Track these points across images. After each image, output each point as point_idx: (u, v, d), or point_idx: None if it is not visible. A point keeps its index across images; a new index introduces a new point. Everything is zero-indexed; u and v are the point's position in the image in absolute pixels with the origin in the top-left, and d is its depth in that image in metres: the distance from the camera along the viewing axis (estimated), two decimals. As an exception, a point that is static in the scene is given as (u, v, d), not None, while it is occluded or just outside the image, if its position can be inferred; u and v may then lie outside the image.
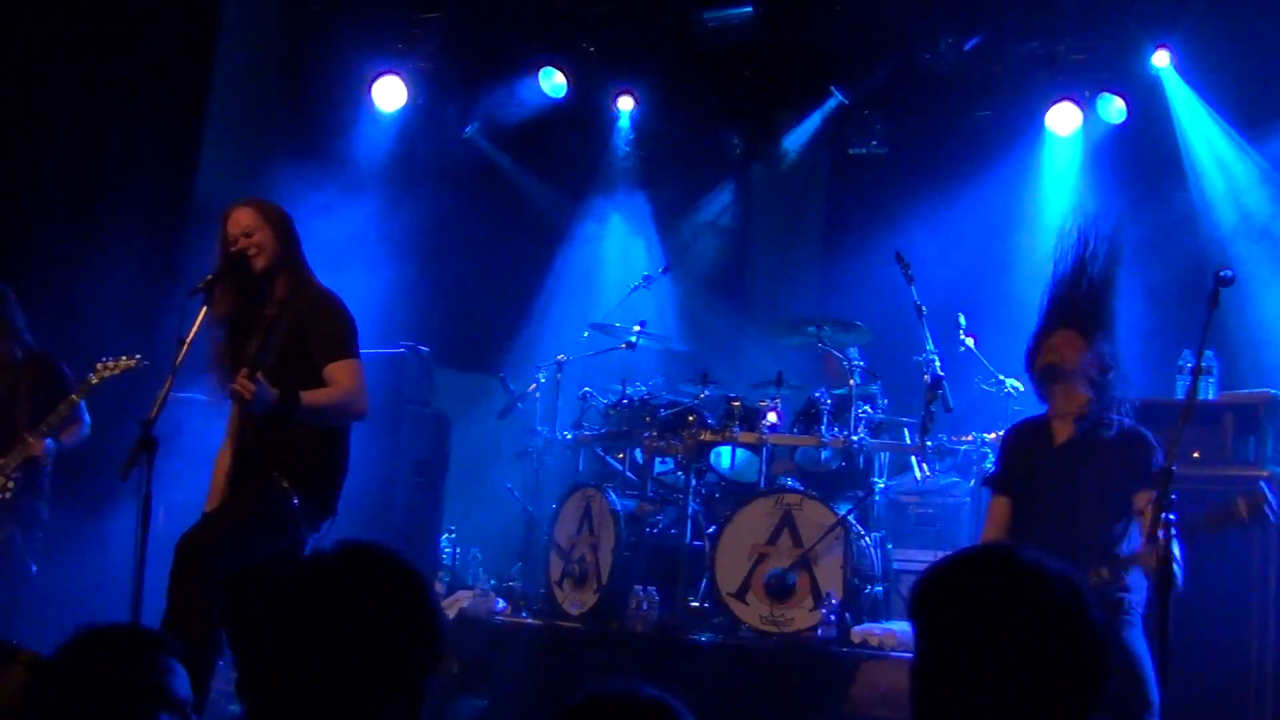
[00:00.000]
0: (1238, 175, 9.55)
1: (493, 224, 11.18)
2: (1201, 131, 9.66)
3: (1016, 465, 5.93)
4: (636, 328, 9.04)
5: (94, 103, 9.40)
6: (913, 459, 8.51)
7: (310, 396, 5.63)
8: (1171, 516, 4.63)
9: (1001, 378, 8.37)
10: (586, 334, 9.30)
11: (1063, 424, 5.81)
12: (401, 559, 2.59)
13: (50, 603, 7.55)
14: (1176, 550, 5.20)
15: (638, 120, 11.29)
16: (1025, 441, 5.96)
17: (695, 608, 8.01)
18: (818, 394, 8.44)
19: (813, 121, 11.05)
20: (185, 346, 5.50)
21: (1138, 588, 5.47)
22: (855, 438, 8.11)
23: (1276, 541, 6.76)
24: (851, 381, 8.32)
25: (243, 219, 5.86)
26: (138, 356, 7.43)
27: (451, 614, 8.19)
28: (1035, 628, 2.29)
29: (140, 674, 3.24)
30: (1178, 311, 7.77)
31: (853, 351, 8.87)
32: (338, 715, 2.44)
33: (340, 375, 5.76)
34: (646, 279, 9.65)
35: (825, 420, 8.19)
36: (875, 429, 8.36)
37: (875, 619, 7.71)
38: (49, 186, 9.26)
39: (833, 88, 10.54)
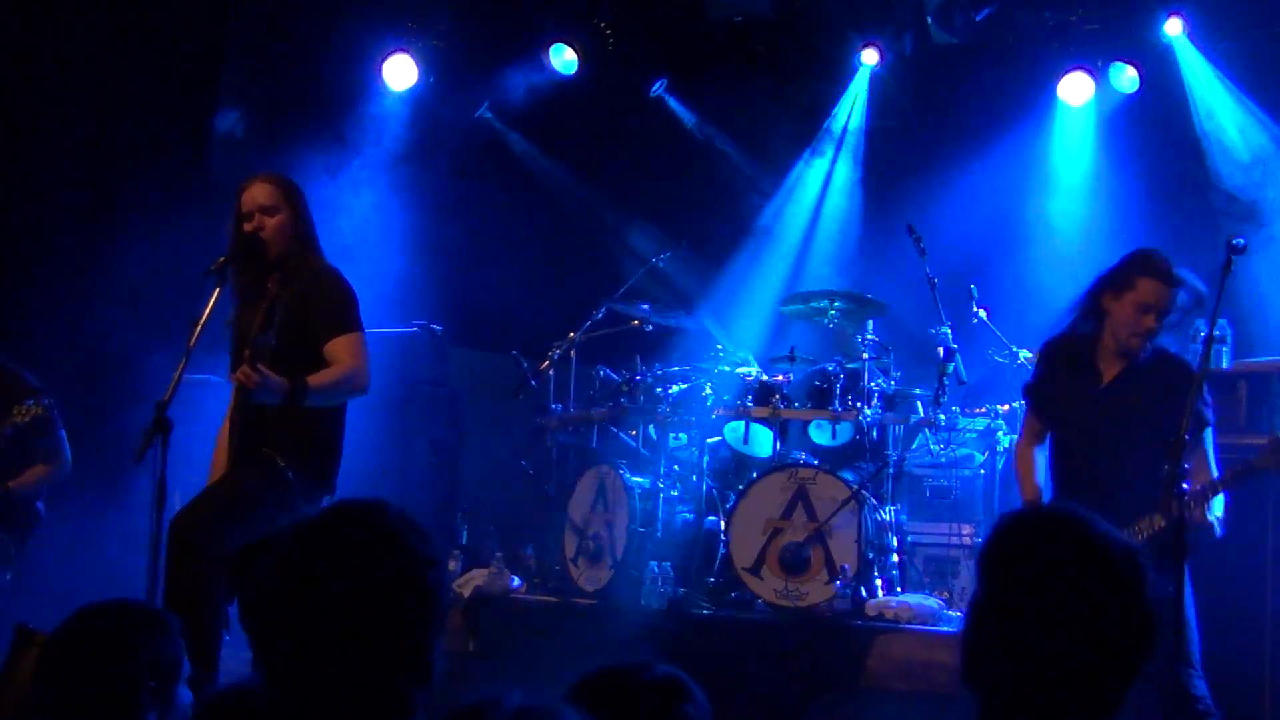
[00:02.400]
0: (1251, 143, 9.50)
1: (505, 202, 11.16)
2: (1213, 99, 9.61)
3: (1060, 395, 5.93)
4: (647, 305, 9.07)
5: (105, 84, 9.40)
6: (926, 431, 8.49)
7: (316, 380, 5.63)
8: (1185, 486, 4.63)
9: (1014, 349, 8.35)
10: (599, 313, 9.29)
11: (1110, 362, 5.81)
12: (391, 514, 2.57)
13: (68, 586, 7.58)
14: (1219, 506, 5.29)
15: (646, 95, 11.27)
16: (1070, 374, 5.91)
17: (710, 583, 8.03)
18: (831, 368, 8.44)
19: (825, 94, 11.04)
20: (199, 328, 5.50)
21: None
22: (869, 411, 8.11)
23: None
24: (864, 355, 8.31)
25: (258, 195, 5.86)
26: (46, 403, 7.32)
27: (467, 592, 8.21)
28: (1096, 597, 2.39)
29: (130, 645, 3.29)
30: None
31: (866, 324, 8.87)
32: (349, 680, 2.43)
33: (341, 351, 5.75)
34: (658, 258, 9.64)
35: (838, 394, 8.18)
36: (888, 402, 8.36)
37: (890, 592, 7.72)
38: (60, 171, 9.26)
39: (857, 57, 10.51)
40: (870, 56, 10.39)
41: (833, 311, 8.70)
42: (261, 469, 5.66)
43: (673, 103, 11.37)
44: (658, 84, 11.24)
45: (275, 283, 5.83)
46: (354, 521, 2.55)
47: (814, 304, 8.83)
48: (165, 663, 3.35)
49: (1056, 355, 6.02)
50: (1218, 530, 5.32)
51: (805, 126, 11.28)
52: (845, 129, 10.97)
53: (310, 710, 2.42)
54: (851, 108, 10.87)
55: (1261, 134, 9.43)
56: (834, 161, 11.10)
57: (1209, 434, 5.61)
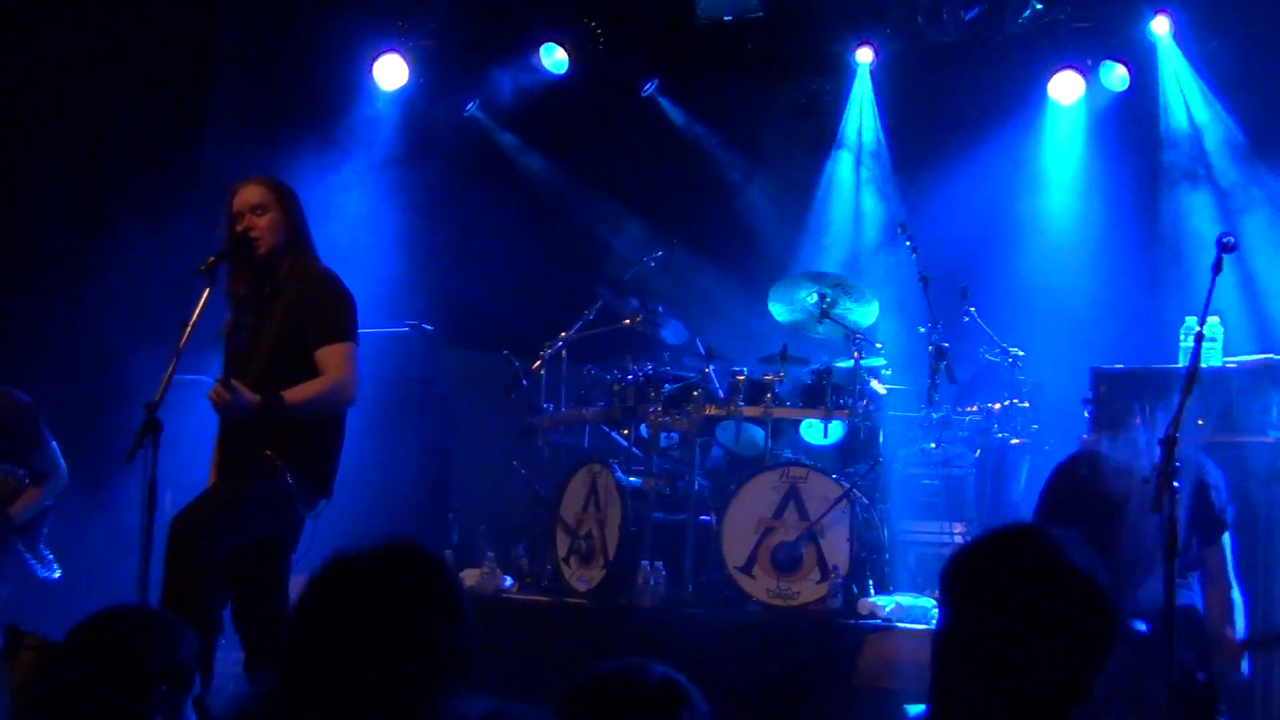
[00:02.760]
0: (1222, 143, 9.50)
1: (496, 201, 11.15)
2: (1191, 100, 9.62)
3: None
4: (638, 303, 9.07)
5: (96, 86, 9.40)
6: (918, 430, 8.50)
7: (294, 395, 5.62)
8: (1177, 484, 4.61)
9: (1006, 347, 8.36)
10: (590, 312, 9.29)
11: None
12: (437, 557, 2.59)
13: (60, 586, 7.57)
14: (1237, 596, 5.16)
15: (636, 94, 11.28)
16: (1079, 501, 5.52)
17: (702, 582, 8.03)
18: (822, 366, 8.44)
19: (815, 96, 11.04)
20: (189, 328, 5.51)
21: None
22: (860, 410, 8.11)
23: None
24: (856, 353, 8.31)
25: (251, 196, 5.86)
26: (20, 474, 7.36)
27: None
28: (1055, 604, 2.44)
29: (145, 650, 3.29)
30: (1181, 278, 7.78)
31: (857, 323, 8.89)
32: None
33: (330, 361, 5.74)
34: (648, 259, 9.64)
35: (830, 393, 8.18)
36: (880, 400, 8.35)
37: (882, 590, 7.73)
38: (50, 171, 9.25)
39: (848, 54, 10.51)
40: (865, 55, 10.38)
41: (817, 297, 8.68)
42: (261, 472, 5.65)
43: (664, 102, 11.37)
44: (649, 84, 11.25)
45: (271, 287, 5.83)
46: (415, 563, 2.55)
47: (803, 295, 8.82)
48: (179, 670, 3.35)
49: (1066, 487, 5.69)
50: (1246, 674, 5.21)
51: (796, 126, 11.27)
52: (840, 129, 10.98)
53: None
54: (854, 108, 10.87)
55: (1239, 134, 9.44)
56: (826, 160, 11.09)
57: (1227, 542, 5.26)
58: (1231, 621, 5.12)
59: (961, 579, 2.53)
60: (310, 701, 2.44)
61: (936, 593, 7.63)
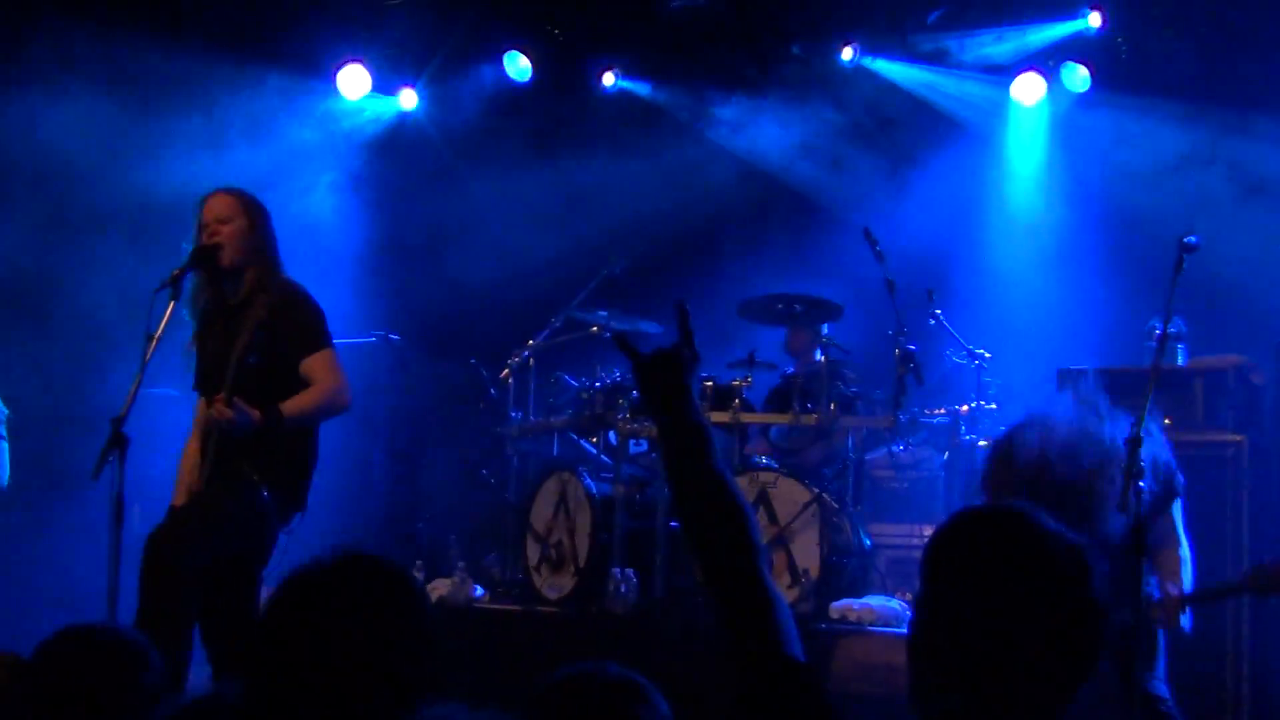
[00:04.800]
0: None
1: (460, 210, 11.14)
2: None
3: None
4: (605, 312, 9.07)
5: (59, 92, 9.34)
6: (885, 433, 8.51)
7: (292, 405, 5.63)
8: (1141, 485, 4.63)
9: (972, 349, 8.39)
10: (558, 321, 9.29)
11: None
12: (401, 570, 2.58)
13: (27, 601, 7.53)
14: (1186, 553, 5.20)
15: (600, 98, 11.28)
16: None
17: (673, 589, 8.02)
18: (790, 371, 8.45)
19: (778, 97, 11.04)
20: (154, 342, 5.50)
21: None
22: (828, 414, 8.12)
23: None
24: (823, 358, 8.33)
25: (215, 206, 5.88)
26: None
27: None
28: (1040, 595, 2.34)
29: (115, 669, 3.27)
30: (1146, 278, 7.80)
31: (823, 327, 8.90)
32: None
33: (318, 370, 5.75)
34: (614, 267, 9.63)
35: (798, 397, 8.19)
36: (847, 404, 8.37)
37: (853, 594, 7.73)
38: (13, 183, 9.20)
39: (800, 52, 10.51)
40: (847, 54, 10.31)
41: (794, 313, 8.72)
42: (237, 487, 5.64)
43: (630, 84, 11.30)
44: (609, 75, 11.19)
45: (239, 300, 5.82)
46: (368, 582, 2.53)
47: (773, 307, 8.85)
48: (145, 688, 3.33)
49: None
50: (1187, 628, 5.24)
51: (763, 127, 11.28)
52: (810, 129, 10.98)
53: None
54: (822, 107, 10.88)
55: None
56: (791, 162, 11.09)
57: (1178, 508, 5.26)
58: (1178, 576, 5.16)
59: (942, 563, 2.46)
60: (274, 714, 2.43)
61: (908, 595, 7.69)
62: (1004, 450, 4.92)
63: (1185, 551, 5.22)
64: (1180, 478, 5.20)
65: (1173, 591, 5.09)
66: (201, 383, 5.90)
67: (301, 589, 2.50)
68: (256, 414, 5.52)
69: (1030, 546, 2.39)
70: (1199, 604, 5.29)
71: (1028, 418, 4.94)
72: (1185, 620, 5.16)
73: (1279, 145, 9.05)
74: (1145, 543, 4.64)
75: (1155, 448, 5.07)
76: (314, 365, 5.75)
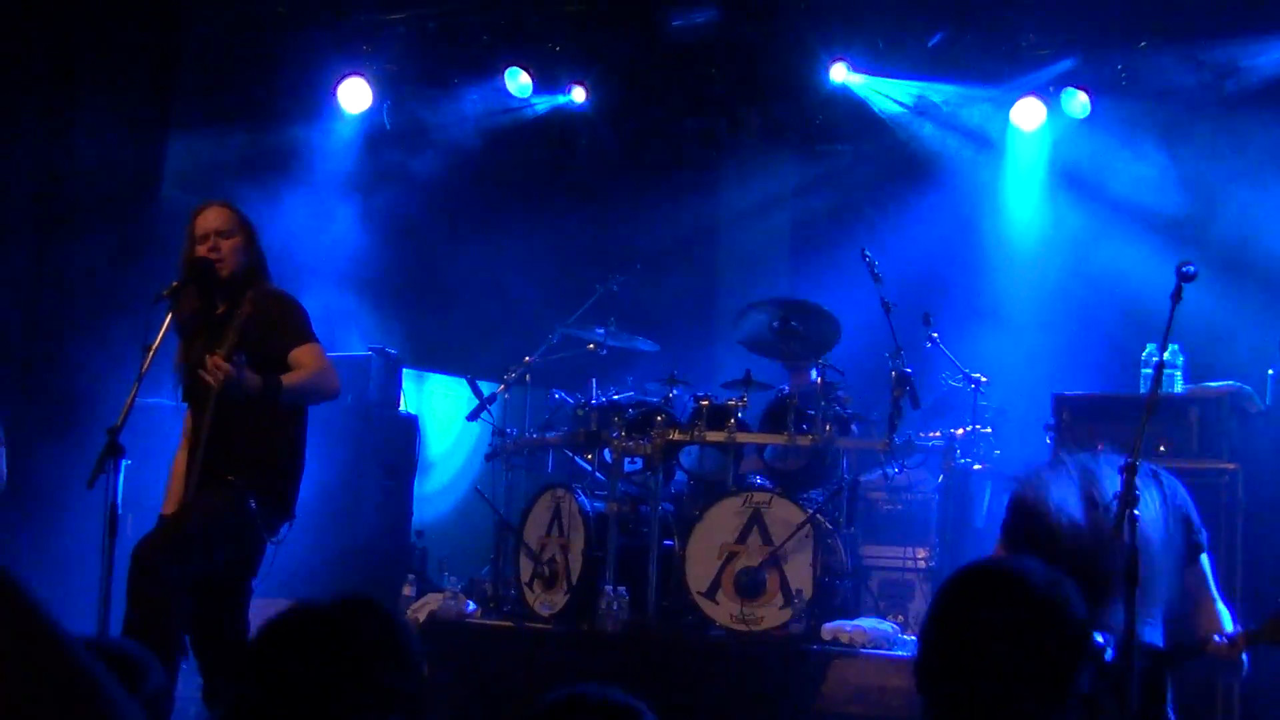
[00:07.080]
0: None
1: (459, 225, 11.15)
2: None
3: None
4: (602, 330, 9.08)
5: (57, 104, 9.35)
6: (880, 455, 8.51)
7: (291, 378, 5.68)
8: (1135, 514, 4.63)
9: (968, 372, 8.40)
10: (554, 337, 9.30)
11: None
12: (395, 618, 2.58)
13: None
14: (1223, 608, 5.17)
15: (604, 119, 11.29)
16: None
17: (665, 607, 8.01)
18: (785, 391, 8.45)
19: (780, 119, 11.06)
20: (151, 353, 5.50)
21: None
22: (823, 435, 8.12)
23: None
24: (819, 379, 8.33)
25: (213, 219, 5.89)
26: None
27: (421, 617, 8.18)
28: (1027, 632, 2.64)
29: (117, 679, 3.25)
30: (1143, 306, 7.81)
31: (820, 348, 8.91)
32: None
33: (305, 358, 5.80)
34: (611, 284, 9.64)
35: (793, 418, 8.19)
36: (843, 426, 8.38)
37: (846, 616, 7.72)
38: (9, 193, 9.19)
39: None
40: (839, 73, 10.30)
41: (784, 326, 8.72)
42: (225, 496, 5.65)
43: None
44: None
45: (226, 308, 5.84)
46: (362, 628, 2.53)
47: (766, 319, 8.86)
48: (147, 700, 3.32)
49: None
50: (1246, 667, 5.19)
51: (758, 150, 11.31)
52: (808, 152, 11.00)
53: None
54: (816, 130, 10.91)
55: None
56: (789, 185, 11.12)
57: (1206, 561, 5.17)
58: (1219, 624, 5.11)
59: (938, 630, 2.71)
60: None
61: (900, 617, 7.69)
62: (1033, 506, 4.95)
63: (1222, 607, 5.18)
64: (1205, 533, 5.15)
65: (1219, 642, 5.01)
66: (189, 394, 5.91)
67: (296, 623, 2.50)
68: (256, 377, 5.55)
69: (1021, 604, 2.65)
70: (1258, 643, 5.18)
71: (1056, 475, 4.96)
72: (1246, 663, 5.10)
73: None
74: (1137, 573, 4.63)
75: (1179, 499, 5.09)
76: (302, 354, 5.81)
